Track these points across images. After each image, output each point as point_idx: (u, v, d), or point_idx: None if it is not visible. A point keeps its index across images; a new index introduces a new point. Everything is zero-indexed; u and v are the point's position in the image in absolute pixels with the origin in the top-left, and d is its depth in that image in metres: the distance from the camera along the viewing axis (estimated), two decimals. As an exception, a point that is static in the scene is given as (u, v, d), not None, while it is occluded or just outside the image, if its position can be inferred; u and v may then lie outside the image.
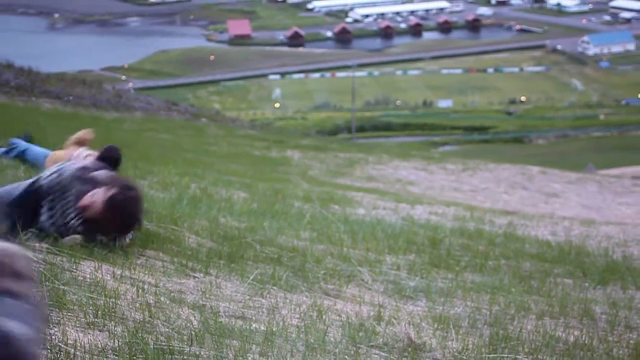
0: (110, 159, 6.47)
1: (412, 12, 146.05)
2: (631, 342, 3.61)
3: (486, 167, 20.43)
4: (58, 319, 2.71)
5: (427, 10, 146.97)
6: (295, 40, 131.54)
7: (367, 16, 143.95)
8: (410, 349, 3.05)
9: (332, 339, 3.05)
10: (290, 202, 8.45)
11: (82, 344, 2.51)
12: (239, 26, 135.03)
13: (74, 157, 6.72)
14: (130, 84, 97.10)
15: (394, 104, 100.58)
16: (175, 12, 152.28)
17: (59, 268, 3.35)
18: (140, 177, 8.41)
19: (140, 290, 3.23)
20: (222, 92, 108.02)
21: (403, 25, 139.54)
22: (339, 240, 5.96)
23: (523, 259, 6.14)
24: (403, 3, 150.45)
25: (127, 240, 4.31)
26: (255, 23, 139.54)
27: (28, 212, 4.24)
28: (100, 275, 3.31)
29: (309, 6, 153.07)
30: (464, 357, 3.03)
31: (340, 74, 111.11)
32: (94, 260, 3.60)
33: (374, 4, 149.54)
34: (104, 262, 3.63)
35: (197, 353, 2.58)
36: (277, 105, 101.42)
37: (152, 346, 2.50)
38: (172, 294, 3.32)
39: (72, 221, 4.13)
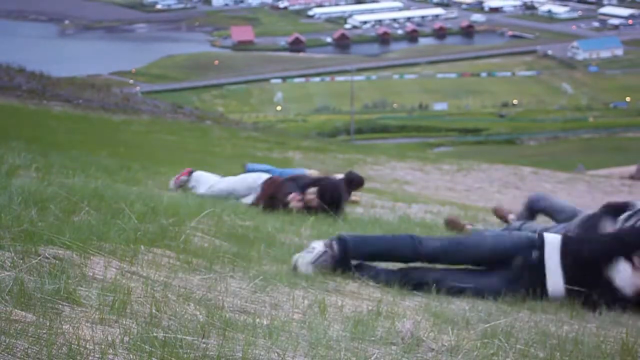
0: (354, 181, 8.07)
1: (408, 19, 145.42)
2: (619, 337, 3.57)
3: (480, 168, 20.30)
4: (71, 315, 2.67)
5: (423, 17, 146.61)
6: (296, 45, 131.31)
7: (365, 23, 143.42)
8: (410, 341, 3.07)
9: (333, 333, 3.05)
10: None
11: (94, 339, 2.45)
12: (242, 32, 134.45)
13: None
14: (138, 88, 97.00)
15: (391, 106, 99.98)
16: (181, 19, 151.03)
17: (69, 263, 3.28)
18: (148, 177, 8.42)
19: (147, 287, 3.19)
20: (225, 96, 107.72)
21: (400, 32, 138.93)
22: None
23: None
24: (400, 10, 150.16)
25: None
26: (257, 29, 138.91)
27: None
28: (111, 273, 3.34)
29: (310, 13, 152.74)
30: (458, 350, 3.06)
31: (339, 78, 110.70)
32: (104, 257, 3.59)
33: (371, 11, 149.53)
34: (113, 258, 3.62)
35: (205, 346, 2.56)
36: (278, 108, 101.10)
37: (161, 338, 2.48)
38: (179, 290, 3.32)
39: None
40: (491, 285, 4.35)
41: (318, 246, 4.37)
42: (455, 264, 4.48)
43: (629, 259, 4.37)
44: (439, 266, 4.50)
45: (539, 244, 4.49)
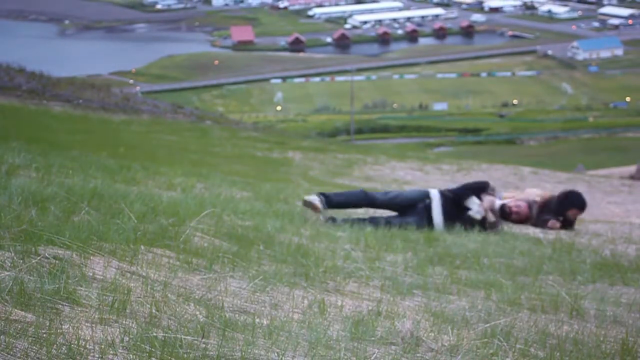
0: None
1: (408, 19, 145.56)
2: (619, 337, 3.55)
3: (480, 168, 20.38)
4: (71, 315, 2.66)
5: (423, 17, 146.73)
6: (296, 45, 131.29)
7: (365, 23, 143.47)
8: (410, 341, 3.06)
9: (333, 333, 3.03)
10: (292, 201, 8.55)
11: (93, 339, 2.46)
12: (242, 32, 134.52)
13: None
14: (138, 88, 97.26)
15: (391, 107, 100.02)
16: (181, 19, 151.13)
17: (69, 263, 3.27)
18: (148, 177, 8.50)
19: (147, 287, 3.17)
20: (225, 96, 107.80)
21: (400, 32, 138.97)
22: (339, 238, 6.09)
23: (515, 255, 6.17)
24: (400, 10, 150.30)
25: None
26: (257, 29, 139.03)
27: None
28: (111, 273, 3.33)
29: (310, 13, 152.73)
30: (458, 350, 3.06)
31: (339, 78, 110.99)
32: (104, 257, 3.57)
33: (371, 11, 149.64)
34: (112, 258, 3.61)
35: (204, 346, 2.56)
36: (278, 108, 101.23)
37: (161, 338, 2.48)
38: (178, 290, 3.32)
39: None
40: (411, 221, 7.37)
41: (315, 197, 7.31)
42: (388, 206, 7.70)
43: (478, 197, 7.66)
44: (385, 214, 7.77)
45: (428, 195, 7.65)
